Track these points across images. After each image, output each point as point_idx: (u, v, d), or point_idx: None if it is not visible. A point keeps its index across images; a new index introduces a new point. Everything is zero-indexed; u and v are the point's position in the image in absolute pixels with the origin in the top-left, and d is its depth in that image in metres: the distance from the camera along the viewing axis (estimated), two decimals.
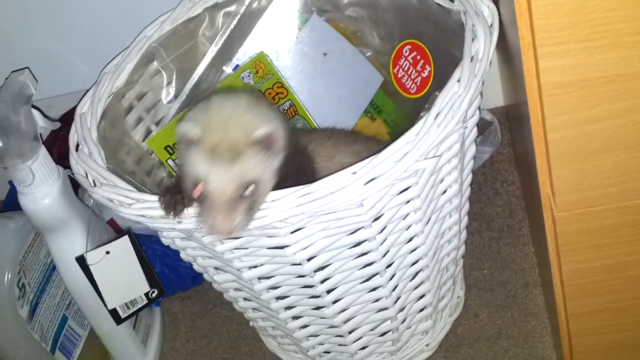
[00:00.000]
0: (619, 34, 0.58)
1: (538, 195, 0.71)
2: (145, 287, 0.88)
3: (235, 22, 0.94)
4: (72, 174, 0.82)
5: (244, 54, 0.95)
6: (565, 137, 0.63)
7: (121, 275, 0.87)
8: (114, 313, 0.88)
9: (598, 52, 0.58)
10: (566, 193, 0.66)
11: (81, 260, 0.84)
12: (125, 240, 0.85)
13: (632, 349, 0.80)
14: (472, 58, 0.73)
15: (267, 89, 0.94)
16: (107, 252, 0.85)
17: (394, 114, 0.95)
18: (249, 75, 0.93)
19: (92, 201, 0.94)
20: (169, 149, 0.93)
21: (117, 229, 1.02)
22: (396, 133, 0.93)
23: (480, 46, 0.74)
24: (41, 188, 0.84)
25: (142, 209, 0.73)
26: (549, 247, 0.72)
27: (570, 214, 0.67)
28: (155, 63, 0.93)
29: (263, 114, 0.74)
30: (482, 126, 1.07)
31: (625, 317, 0.76)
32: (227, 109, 0.74)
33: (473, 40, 0.75)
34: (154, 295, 0.89)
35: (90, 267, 0.84)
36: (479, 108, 0.80)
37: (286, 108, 0.95)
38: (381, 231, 0.76)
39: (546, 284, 0.88)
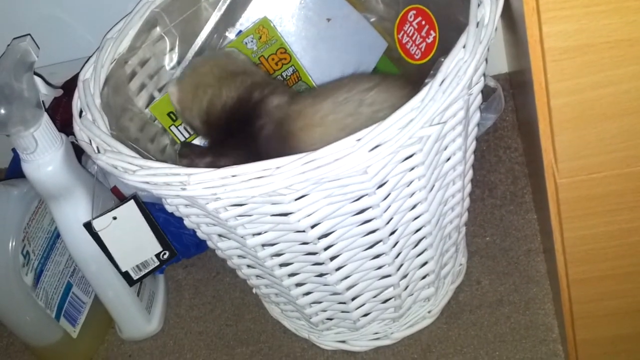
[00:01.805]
0: None
1: (541, 162, 0.71)
2: (157, 248, 0.89)
3: None
4: (76, 140, 0.82)
5: (247, 19, 0.95)
6: (569, 103, 0.62)
7: (130, 239, 0.87)
8: (126, 275, 0.89)
9: (602, 17, 0.58)
10: (569, 160, 0.66)
11: (88, 227, 0.84)
12: (131, 204, 0.85)
13: (632, 315, 0.80)
14: (477, 24, 0.72)
15: (270, 54, 0.93)
16: (114, 218, 0.85)
17: None
18: (252, 41, 0.93)
19: (96, 168, 0.95)
20: (172, 115, 0.93)
21: (120, 197, 1.02)
22: None
23: (486, 12, 0.73)
24: (44, 155, 0.84)
25: (147, 175, 0.73)
26: (551, 214, 0.72)
27: (573, 181, 0.67)
28: (158, 29, 0.92)
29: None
30: (486, 93, 1.07)
31: (626, 284, 0.76)
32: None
33: (479, 5, 0.74)
34: (165, 256, 0.90)
35: (99, 232, 0.84)
36: (484, 74, 0.79)
37: (289, 74, 0.95)
38: (385, 198, 0.76)
39: (548, 251, 0.89)
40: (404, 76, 0.84)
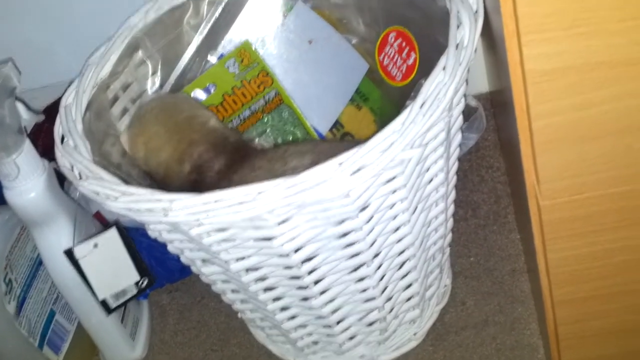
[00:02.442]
0: (604, 21, 0.57)
1: (523, 183, 0.71)
2: (135, 277, 0.88)
3: (219, 10, 0.93)
4: (58, 166, 0.81)
5: (229, 42, 0.95)
6: (550, 125, 0.63)
7: (110, 266, 0.87)
8: (104, 304, 0.88)
9: (583, 40, 0.58)
10: (551, 181, 0.66)
11: (69, 254, 0.83)
12: (113, 232, 0.85)
13: (617, 335, 0.80)
14: (457, 45, 0.73)
15: (252, 77, 0.93)
16: (95, 245, 0.84)
17: (380, 102, 0.95)
18: (234, 64, 0.93)
19: (78, 194, 0.94)
20: None
21: (103, 222, 1.02)
22: (383, 121, 0.94)
23: (466, 33, 0.74)
24: (26, 182, 0.84)
25: (129, 202, 0.73)
26: (534, 235, 0.72)
27: (556, 202, 0.67)
28: (140, 53, 0.92)
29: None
30: (467, 112, 1.07)
31: (611, 304, 0.76)
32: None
33: (458, 27, 0.74)
34: (144, 284, 0.89)
35: (79, 260, 0.84)
36: (465, 95, 0.80)
37: (272, 97, 0.95)
38: (368, 221, 0.76)
39: (532, 270, 0.89)
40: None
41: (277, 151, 0.82)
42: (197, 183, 0.82)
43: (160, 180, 0.86)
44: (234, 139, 0.85)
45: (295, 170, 0.76)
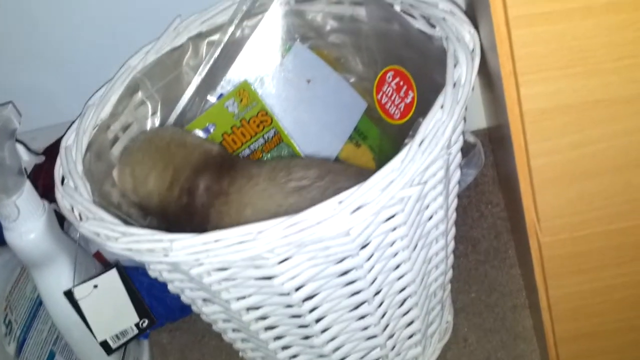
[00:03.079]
0: (599, 61, 0.58)
1: (523, 220, 0.71)
2: (136, 318, 0.88)
3: (218, 51, 0.94)
4: (58, 208, 0.81)
5: (228, 83, 0.95)
6: (549, 163, 0.63)
7: (110, 307, 0.86)
8: (104, 344, 0.87)
9: (579, 79, 0.59)
10: (551, 218, 0.66)
11: (69, 295, 0.83)
12: (113, 273, 0.85)
13: None
14: (454, 84, 0.74)
15: (251, 117, 0.94)
16: (95, 286, 0.84)
17: (379, 140, 0.96)
18: (233, 104, 0.93)
19: (78, 235, 0.94)
20: None
21: (103, 261, 1.01)
22: (381, 159, 0.94)
23: (463, 72, 0.74)
24: (26, 223, 0.84)
25: (129, 242, 0.73)
26: (535, 272, 0.72)
27: (556, 239, 0.67)
28: (139, 93, 0.93)
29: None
30: (466, 148, 1.08)
31: (613, 339, 0.76)
32: None
33: (455, 66, 0.75)
34: (144, 325, 0.89)
35: (79, 301, 0.83)
36: (463, 132, 0.80)
37: (271, 136, 0.95)
38: (368, 259, 0.76)
39: (534, 306, 0.89)
40: (357, 170, 0.82)
41: (280, 161, 0.81)
42: (189, 206, 0.82)
43: (154, 210, 0.85)
44: (217, 151, 0.85)
45: (301, 180, 0.77)
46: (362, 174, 0.72)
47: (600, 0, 0.55)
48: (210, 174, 0.82)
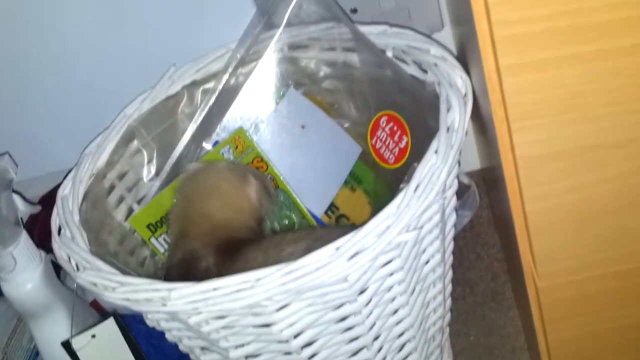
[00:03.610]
0: (590, 107, 0.59)
1: (519, 263, 0.72)
2: None
3: (213, 98, 0.95)
4: (55, 258, 0.81)
5: (223, 130, 0.96)
6: (543, 208, 0.64)
7: (108, 356, 0.86)
8: None
9: (570, 125, 0.60)
10: (547, 263, 0.67)
11: (67, 346, 0.83)
12: (110, 322, 0.85)
13: None
14: (448, 129, 0.74)
15: (247, 163, 0.94)
16: (93, 336, 0.84)
17: (374, 184, 0.96)
18: (228, 151, 0.94)
19: (75, 285, 0.94)
20: (151, 227, 0.93)
21: (100, 310, 1.01)
22: (377, 203, 0.94)
23: (456, 117, 0.75)
24: (23, 274, 0.84)
25: (127, 292, 0.73)
26: (533, 316, 0.72)
27: (553, 284, 0.68)
28: (135, 142, 0.93)
29: None
30: (460, 190, 1.08)
31: None
32: None
33: (448, 110, 0.76)
34: None
35: (77, 351, 0.83)
36: (457, 176, 0.81)
37: None
38: (366, 304, 0.76)
39: (533, 349, 0.88)
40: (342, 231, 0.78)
41: (273, 240, 0.82)
42: (184, 276, 0.80)
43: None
44: (223, 233, 0.85)
45: (290, 256, 0.76)
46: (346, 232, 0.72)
47: (589, 48, 0.56)
48: (212, 257, 0.83)
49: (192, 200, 0.87)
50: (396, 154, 0.89)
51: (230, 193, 0.88)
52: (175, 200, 0.89)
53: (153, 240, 0.93)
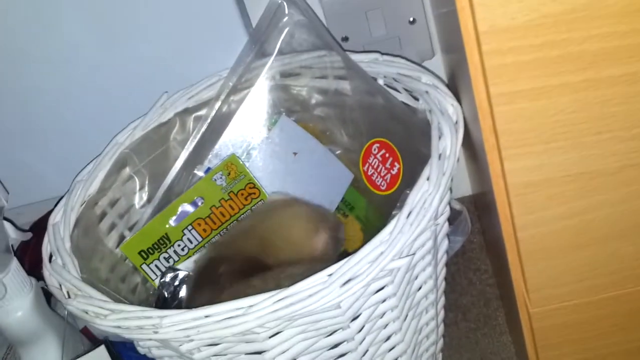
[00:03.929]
0: (580, 135, 0.60)
1: (512, 289, 0.72)
2: None
3: (205, 125, 0.95)
4: (45, 285, 0.81)
5: (215, 156, 0.96)
6: (535, 235, 0.64)
7: None
8: None
9: (561, 153, 0.60)
10: (540, 289, 0.67)
11: None
12: (101, 350, 0.84)
13: None
14: (440, 156, 0.75)
15: (239, 189, 0.94)
16: None
17: (366, 210, 0.96)
18: (221, 177, 0.94)
19: (66, 312, 0.93)
20: (143, 253, 0.93)
21: (91, 337, 1.00)
22: (369, 229, 0.95)
23: (447, 144, 0.76)
24: (13, 301, 0.84)
25: (118, 319, 0.73)
26: (526, 342, 0.72)
27: (545, 310, 0.68)
28: (127, 169, 0.93)
29: None
30: (452, 216, 1.08)
31: None
32: None
33: (440, 138, 0.77)
34: None
35: None
36: (449, 202, 0.81)
37: None
38: (359, 331, 0.76)
39: None
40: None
41: (274, 272, 0.82)
42: (198, 274, 0.87)
43: None
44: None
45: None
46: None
47: (579, 78, 0.57)
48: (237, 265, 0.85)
49: (259, 236, 0.88)
50: (388, 180, 0.90)
51: (297, 242, 0.88)
52: (245, 226, 0.91)
53: (145, 267, 0.93)
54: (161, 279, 0.92)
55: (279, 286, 0.74)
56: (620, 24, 0.55)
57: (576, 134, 0.59)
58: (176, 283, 0.93)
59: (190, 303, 0.85)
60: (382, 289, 0.74)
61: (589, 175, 0.61)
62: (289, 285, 0.70)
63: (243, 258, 0.86)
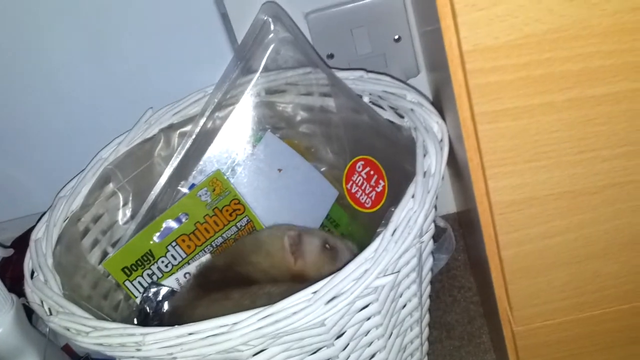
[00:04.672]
0: (563, 154, 0.60)
1: (495, 307, 0.72)
2: None
3: (190, 142, 0.95)
4: (27, 302, 0.80)
5: (200, 173, 0.96)
6: (519, 253, 0.64)
7: None
8: None
9: (544, 172, 0.60)
10: (523, 307, 0.67)
11: None
12: None
13: None
14: (424, 173, 0.75)
15: (224, 205, 0.94)
16: None
17: (350, 227, 0.96)
18: (206, 193, 0.94)
19: (47, 329, 0.92)
20: (126, 270, 0.92)
21: (72, 354, 0.99)
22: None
23: (432, 162, 0.76)
24: None
25: (100, 337, 0.72)
26: None
27: (529, 328, 0.68)
28: (111, 185, 0.93)
29: None
30: (437, 233, 1.08)
31: None
32: None
33: (425, 155, 0.77)
34: None
35: None
36: (434, 220, 0.81)
37: (244, 224, 0.95)
38: (344, 349, 0.76)
39: None
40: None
41: (252, 288, 0.82)
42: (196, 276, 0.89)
43: None
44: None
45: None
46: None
47: (562, 97, 0.57)
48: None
49: (240, 251, 0.90)
50: (373, 198, 0.90)
51: (274, 255, 0.89)
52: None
53: (128, 283, 0.92)
54: (144, 293, 0.92)
55: (254, 303, 0.74)
56: (604, 44, 0.55)
57: (559, 153, 0.60)
58: (159, 298, 0.92)
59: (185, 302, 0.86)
60: (366, 306, 0.74)
61: (572, 194, 0.61)
62: (265, 304, 0.70)
63: (230, 270, 0.87)
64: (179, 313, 0.83)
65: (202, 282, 0.87)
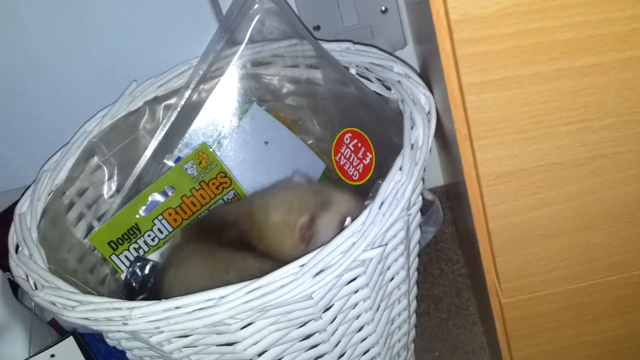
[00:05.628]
0: (552, 125, 0.60)
1: (483, 279, 0.72)
2: None
3: (175, 114, 0.94)
4: (12, 276, 0.79)
5: (185, 146, 0.95)
6: (507, 225, 0.64)
7: None
8: None
9: (532, 143, 0.60)
10: (511, 279, 0.67)
11: None
12: (70, 341, 0.83)
13: None
14: (412, 146, 0.74)
15: (211, 179, 0.94)
16: (52, 355, 0.82)
17: None
18: (192, 166, 0.93)
19: (33, 304, 0.92)
20: (112, 244, 0.92)
21: (59, 329, 0.99)
22: None
23: (420, 134, 0.76)
24: None
25: (87, 311, 0.72)
26: (498, 332, 0.72)
27: (517, 300, 0.68)
28: (95, 158, 0.92)
29: None
30: (424, 206, 1.08)
31: None
32: None
33: (412, 128, 0.76)
34: None
35: None
36: (421, 192, 0.81)
37: (230, 197, 0.95)
38: (331, 322, 0.76)
39: None
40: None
41: (249, 259, 0.81)
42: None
43: None
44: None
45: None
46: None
47: (550, 67, 0.57)
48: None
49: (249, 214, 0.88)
50: (360, 170, 0.89)
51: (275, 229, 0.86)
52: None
53: (114, 257, 0.92)
54: (130, 267, 0.91)
55: (227, 273, 0.74)
56: (593, 14, 0.55)
57: (548, 124, 0.59)
58: (145, 272, 0.92)
59: (184, 247, 0.86)
60: (354, 279, 0.74)
61: (560, 165, 0.61)
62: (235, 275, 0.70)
63: (238, 230, 0.86)
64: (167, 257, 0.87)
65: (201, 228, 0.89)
